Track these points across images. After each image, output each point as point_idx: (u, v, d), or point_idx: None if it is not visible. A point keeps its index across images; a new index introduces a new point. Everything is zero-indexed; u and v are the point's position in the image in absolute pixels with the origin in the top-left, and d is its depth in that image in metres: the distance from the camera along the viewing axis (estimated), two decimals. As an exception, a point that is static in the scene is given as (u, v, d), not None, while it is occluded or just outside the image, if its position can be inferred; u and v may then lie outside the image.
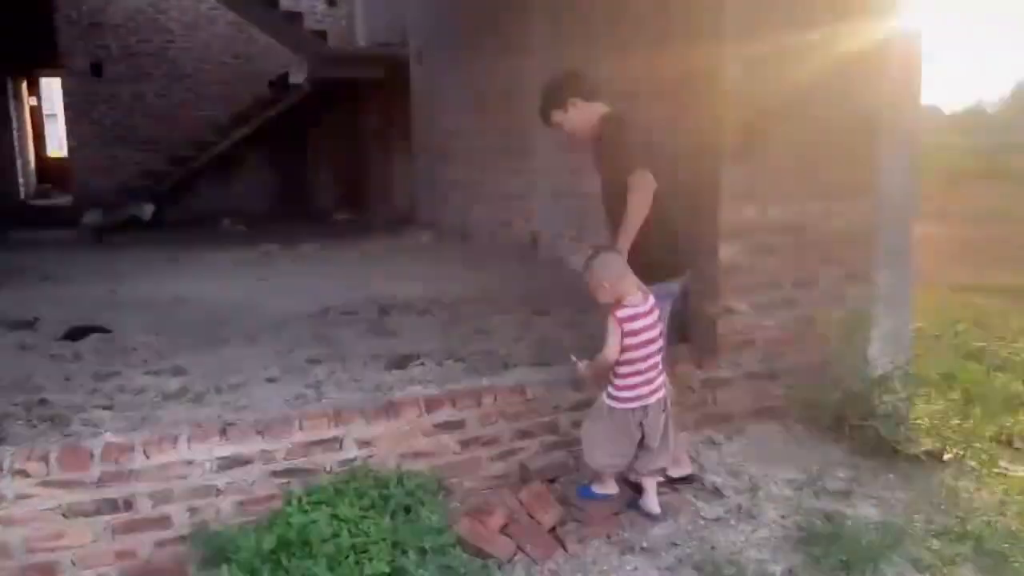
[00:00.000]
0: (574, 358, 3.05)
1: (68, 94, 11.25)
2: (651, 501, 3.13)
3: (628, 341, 2.90)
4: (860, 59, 3.86)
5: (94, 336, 4.79)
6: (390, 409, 3.26)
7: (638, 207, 3.12)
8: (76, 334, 4.80)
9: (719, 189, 3.71)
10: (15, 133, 13.21)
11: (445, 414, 3.33)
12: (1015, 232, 12.39)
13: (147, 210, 10.82)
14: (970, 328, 5.34)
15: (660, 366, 3.05)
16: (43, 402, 3.52)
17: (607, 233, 3.36)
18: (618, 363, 2.95)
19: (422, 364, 3.87)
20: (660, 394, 3.03)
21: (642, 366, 2.96)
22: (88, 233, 9.98)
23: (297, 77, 11.43)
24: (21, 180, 13.38)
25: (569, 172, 6.91)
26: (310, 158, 12.34)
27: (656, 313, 3.01)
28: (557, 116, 3.45)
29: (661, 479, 3.21)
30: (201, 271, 7.10)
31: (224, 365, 4.07)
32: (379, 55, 11.11)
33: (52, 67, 11.87)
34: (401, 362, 3.98)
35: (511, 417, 3.44)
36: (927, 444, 3.79)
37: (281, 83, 11.68)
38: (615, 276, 2.92)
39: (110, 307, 5.72)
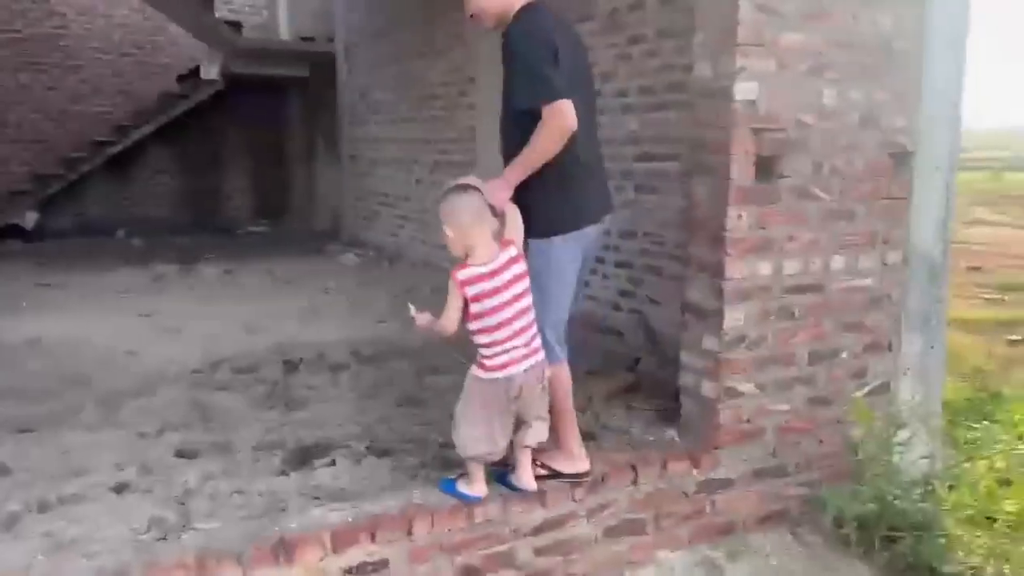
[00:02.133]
0: (412, 309, 2.56)
1: (-60, 83, 9.78)
2: (525, 475, 2.66)
3: (476, 307, 2.46)
4: (893, 75, 3.09)
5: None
6: (280, 551, 2.29)
7: (545, 143, 2.50)
8: None
9: (724, 238, 2.86)
10: None
11: (361, 553, 2.38)
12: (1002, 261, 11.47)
13: (30, 218, 9.46)
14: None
15: (532, 330, 2.54)
16: None
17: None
18: (474, 331, 2.50)
19: (332, 463, 2.90)
20: (532, 361, 2.52)
21: (501, 334, 2.47)
22: (-45, 244, 8.61)
23: (210, 72, 10.22)
24: None
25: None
26: (223, 161, 11.12)
27: (516, 268, 2.49)
28: None
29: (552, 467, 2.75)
30: (74, 301, 5.92)
31: (63, 458, 3.02)
32: (302, 51, 10.00)
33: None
34: (305, 457, 3.00)
35: (452, 548, 2.52)
36: (974, 560, 3.03)
37: (192, 78, 10.46)
38: (463, 223, 2.45)
39: (-55, 352, 4.56)
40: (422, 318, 2.55)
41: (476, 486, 2.59)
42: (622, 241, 4.92)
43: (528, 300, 2.53)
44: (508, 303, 2.47)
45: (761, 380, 3.01)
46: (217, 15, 10.22)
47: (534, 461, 2.77)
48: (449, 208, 2.50)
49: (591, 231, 2.76)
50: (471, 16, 2.79)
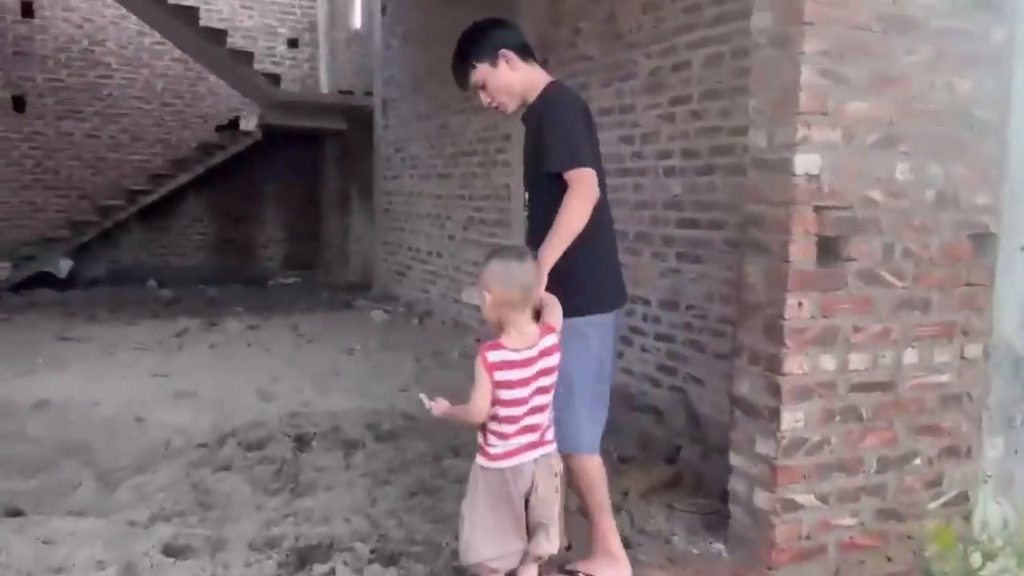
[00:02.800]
0: (425, 399, 2.27)
1: (-16, 129, 9.88)
2: None
3: (498, 394, 2.15)
4: (974, 148, 2.75)
5: None
6: None
7: (575, 213, 2.36)
8: None
9: (782, 327, 2.53)
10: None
11: None
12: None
13: (63, 266, 9.42)
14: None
15: (546, 425, 2.26)
16: None
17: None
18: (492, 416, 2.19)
19: (332, 572, 2.57)
20: (543, 451, 2.23)
21: (509, 427, 2.18)
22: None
23: (249, 123, 10.23)
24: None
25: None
26: (258, 211, 11.07)
27: (550, 360, 2.22)
28: (480, 73, 2.59)
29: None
30: (92, 357, 5.73)
31: (44, 550, 2.73)
32: (340, 104, 9.96)
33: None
34: (303, 559, 2.68)
35: None
36: None
37: (231, 129, 10.47)
38: (509, 296, 2.16)
39: (-51, 413, 4.36)
40: (440, 406, 2.25)
41: None
42: (663, 312, 4.59)
43: (549, 397, 2.24)
44: (528, 398, 2.18)
45: (823, 490, 2.63)
46: (259, 66, 10.26)
47: (575, 574, 2.45)
48: (498, 272, 2.18)
49: (617, 314, 2.62)
50: (489, 103, 2.68)
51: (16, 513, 3.12)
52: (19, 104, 9.93)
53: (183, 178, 10.02)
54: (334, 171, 10.88)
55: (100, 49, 10.24)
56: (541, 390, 2.20)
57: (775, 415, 2.56)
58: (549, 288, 2.36)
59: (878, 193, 2.60)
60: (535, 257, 2.26)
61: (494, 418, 2.17)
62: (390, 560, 2.68)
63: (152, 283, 9.65)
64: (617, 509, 3.11)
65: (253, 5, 10.94)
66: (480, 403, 2.14)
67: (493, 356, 2.15)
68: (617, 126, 4.94)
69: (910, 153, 2.63)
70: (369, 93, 9.61)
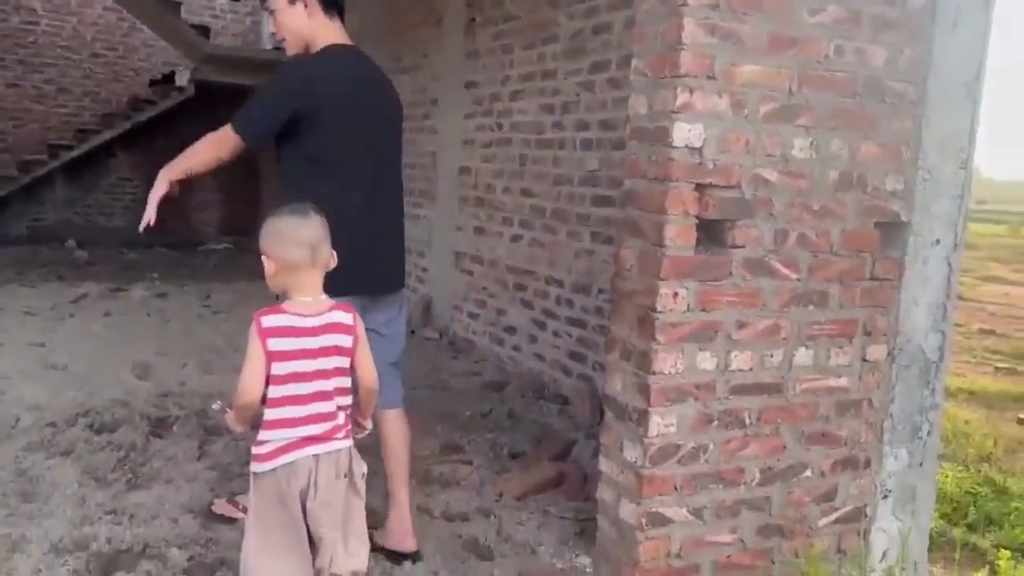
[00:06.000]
0: (217, 404, 2.10)
1: None
2: None
3: (272, 369, 1.82)
4: (885, 124, 2.45)
5: None
6: None
7: (200, 144, 2.48)
8: None
9: (653, 320, 2.21)
10: None
11: None
12: (1018, 325, 10.15)
13: (-24, 222, 8.91)
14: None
15: (337, 420, 1.90)
16: None
17: None
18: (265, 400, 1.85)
19: (129, 585, 2.25)
20: (329, 447, 1.87)
21: (288, 412, 1.84)
22: None
23: (182, 78, 9.70)
24: None
25: (474, 230, 5.41)
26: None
27: (335, 339, 1.90)
28: (278, 1, 2.45)
29: None
30: (-29, 322, 5.31)
31: None
32: (276, 61, 9.42)
33: None
34: (107, 567, 2.34)
35: None
36: None
37: (166, 83, 9.93)
38: (291, 255, 1.85)
39: None
40: (228, 416, 1.92)
41: None
42: (575, 295, 4.29)
43: (338, 383, 1.91)
44: (311, 376, 1.85)
45: (697, 503, 2.34)
46: (195, 18, 9.72)
47: None
48: (276, 231, 1.86)
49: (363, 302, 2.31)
50: (274, 33, 2.59)
51: None
52: (-66, 48, 9.32)
53: (108, 134, 9.47)
54: (273, 133, 10.39)
55: (25, -8, 9.62)
56: (322, 373, 1.87)
57: (643, 418, 2.25)
58: None
59: (771, 172, 2.28)
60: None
61: (275, 402, 1.84)
62: (209, 570, 2.36)
63: (71, 243, 9.14)
64: (487, 514, 2.83)
65: (192, -47, 10.34)
66: (249, 378, 1.80)
67: (269, 320, 1.82)
68: (539, 93, 4.60)
69: (811, 127, 2.32)
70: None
